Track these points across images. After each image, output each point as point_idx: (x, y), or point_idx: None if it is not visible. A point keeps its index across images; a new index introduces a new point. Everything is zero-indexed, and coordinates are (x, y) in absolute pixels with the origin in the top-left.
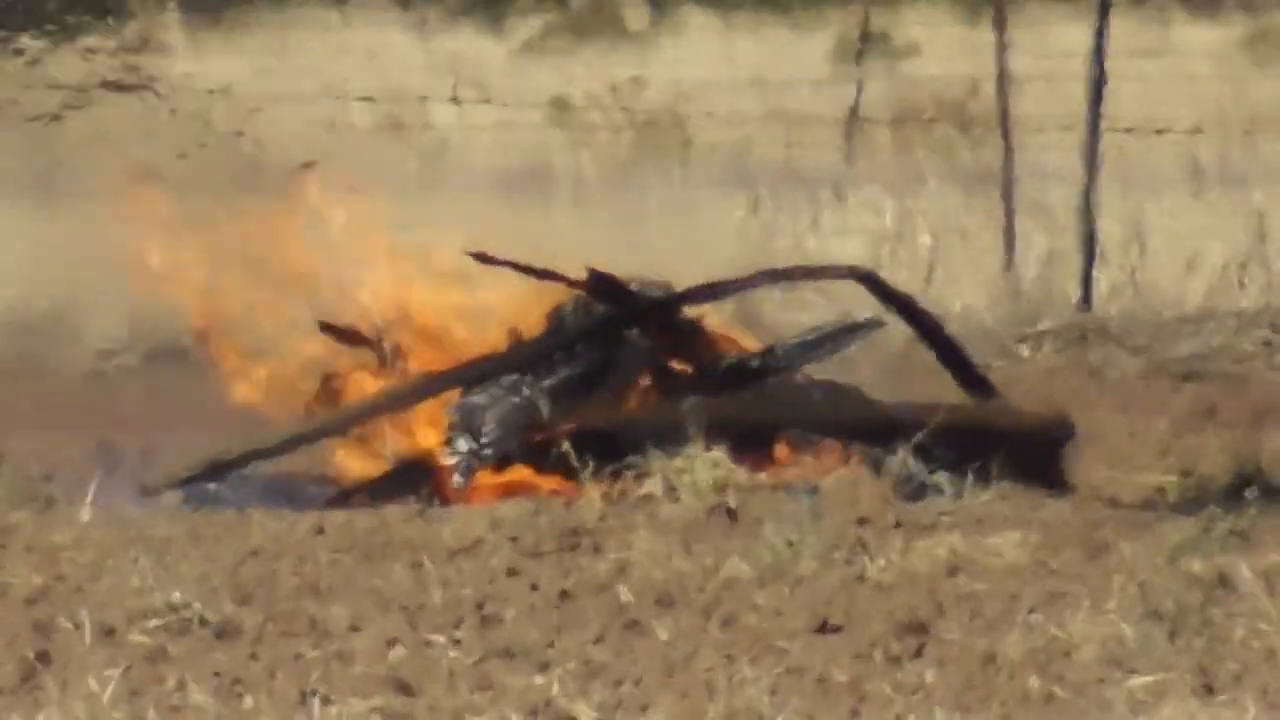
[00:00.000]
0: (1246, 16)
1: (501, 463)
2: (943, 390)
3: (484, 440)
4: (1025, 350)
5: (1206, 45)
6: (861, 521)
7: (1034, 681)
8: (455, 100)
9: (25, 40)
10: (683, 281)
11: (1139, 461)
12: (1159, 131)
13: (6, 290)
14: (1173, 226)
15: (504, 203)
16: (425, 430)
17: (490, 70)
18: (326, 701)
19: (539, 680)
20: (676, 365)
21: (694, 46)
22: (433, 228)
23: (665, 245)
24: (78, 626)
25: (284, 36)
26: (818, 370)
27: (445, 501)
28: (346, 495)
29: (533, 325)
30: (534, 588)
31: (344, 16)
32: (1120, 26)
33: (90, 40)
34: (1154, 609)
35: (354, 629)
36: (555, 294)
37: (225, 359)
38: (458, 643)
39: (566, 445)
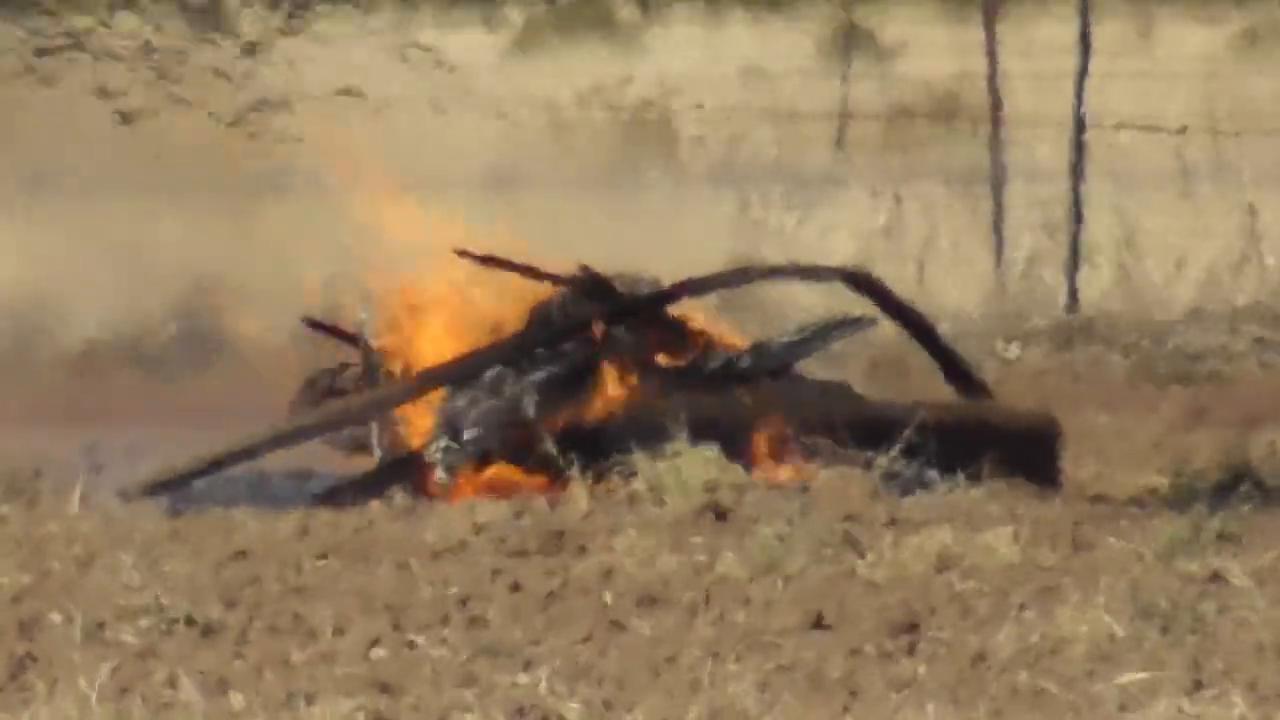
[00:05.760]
0: (1235, 15)
1: (486, 461)
2: (933, 389)
3: (468, 439)
4: (1014, 349)
5: (1195, 43)
6: (851, 519)
7: (1024, 678)
8: (442, 97)
9: (16, 37)
10: (671, 278)
11: (1129, 460)
12: (1148, 130)
13: None
14: (1162, 225)
15: (491, 199)
16: (410, 429)
17: (478, 66)
18: (312, 700)
19: (524, 679)
20: (664, 362)
21: (681, 42)
22: (419, 225)
23: (653, 242)
24: (65, 624)
25: (268, 34)
26: (807, 368)
27: (430, 500)
28: (331, 494)
29: (518, 322)
30: (519, 587)
31: (331, 14)
32: (1108, 24)
33: (81, 40)
34: (1144, 606)
35: (339, 629)
36: (541, 290)
37: (213, 354)
38: (443, 642)
39: (551, 444)
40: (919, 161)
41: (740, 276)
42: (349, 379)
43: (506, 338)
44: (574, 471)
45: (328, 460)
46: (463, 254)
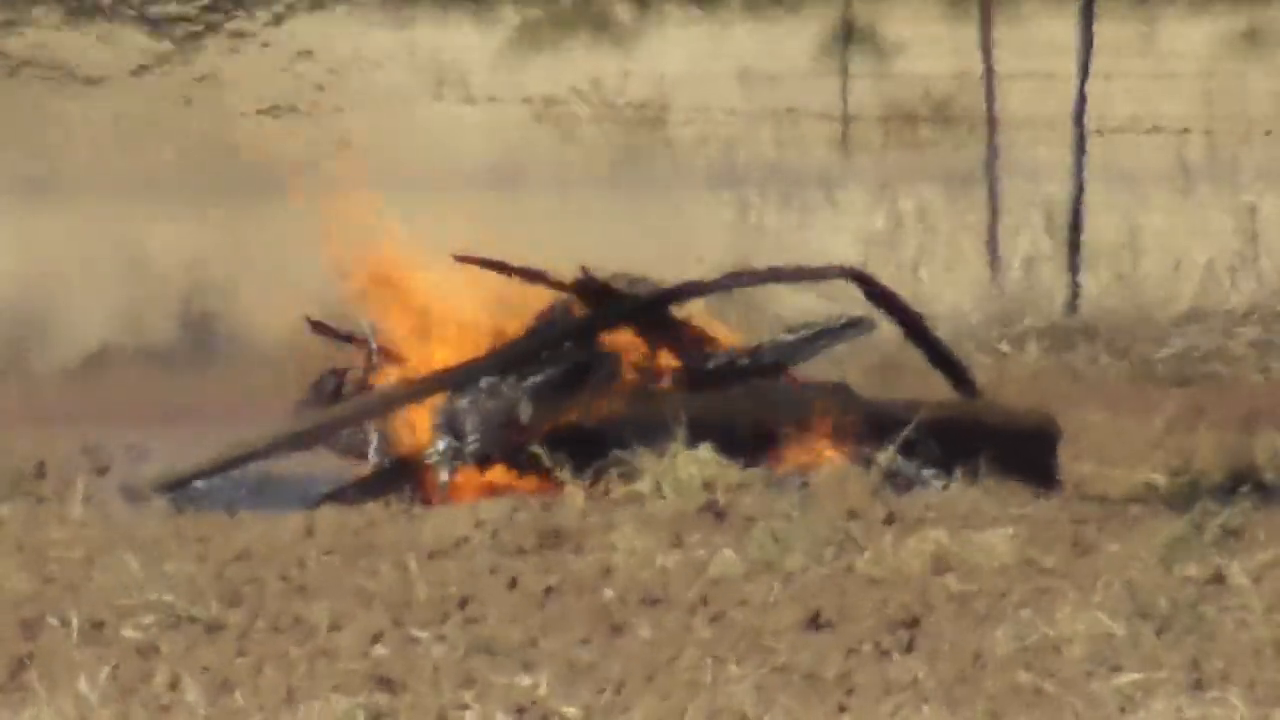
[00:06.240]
0: (1234, 15)
1: (485, 463)
2: (931, 389)
3: (468, 441)
4: (1011, 349)
5: (1195, 43)
6: (850, 517)
7: (1023, 677)
8: (439, 96)
9: (12, 40)
10: (670, 279)
11: (1127, 459)
12: (1147, 130)
13: None
14: (1161, 226)
15: (489, 200)
16: (411, 431)
17: (475, 66)
18: (313, 699)
19: (524, 678)
20: (664, 363)
21: (679, 42)
22: (418, 225)
23: (651, 243)
24: (66, 625)
25: (267, 33)
26: (807, 368)
27: (429, 502)
28: (332, 495)
29: (519, 325)
30: (517, 586)
31: (329, 13)
32: (1108, 24)
33: (78, 40)
34: (1142, 606)
35: (339, 627)
36: (541, 293)
37: (215, 356)
38: (442, 640)
39: (545, 446)
40: (918, 162)
41: (739, 279)
42: (354, 381)
43: (507, 341)
44: (569, 473)
45: (328, 462)
46: (463, 260)
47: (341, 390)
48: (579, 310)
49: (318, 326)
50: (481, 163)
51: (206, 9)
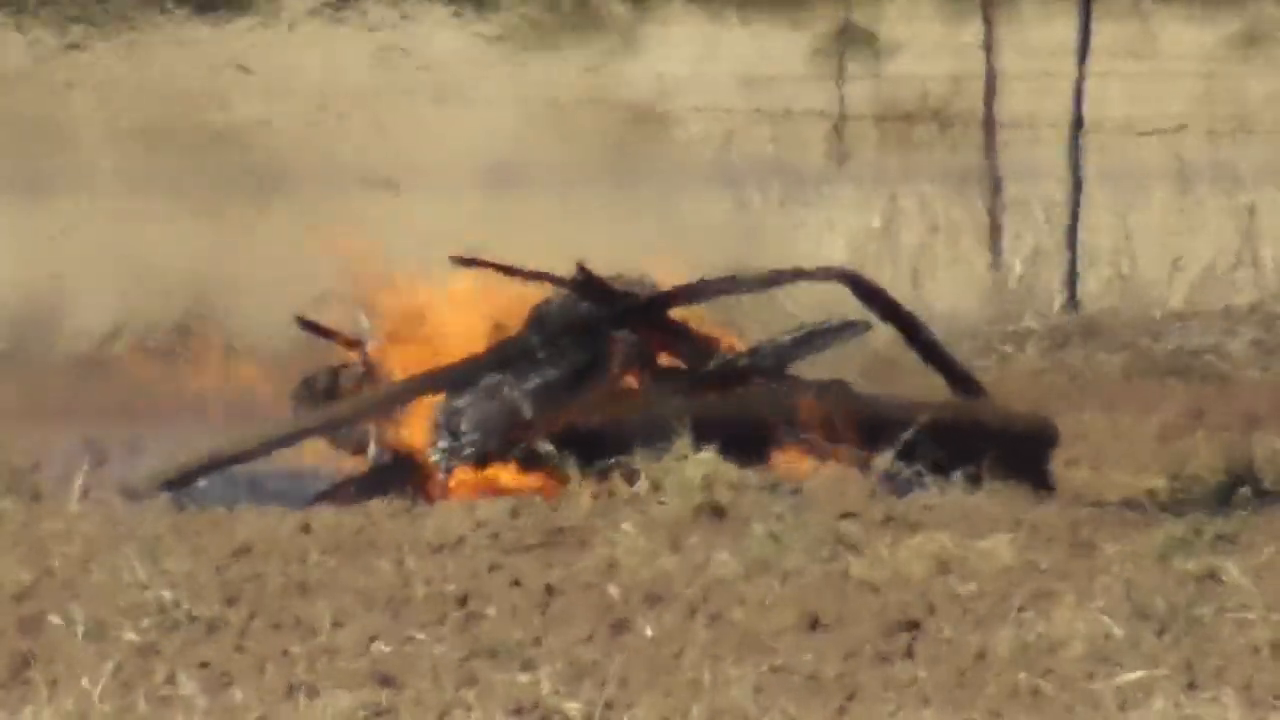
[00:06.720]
0: (1232, 15)
1: (485, 462)
2: (929, 390)
3: (466, 439)
4: (1010, 350)
5: (1192, 44)
6: (848, 519)
7: (1023, 679)
8: (437, 96)
9: (11, 33)
10: (667, 280)
11: (1126, 462)
12: (1145, 130)
13: None
14: (1159, 225)
15: (486, 200)
16: (410, 429)
17: (474, 66)
18: (313, 696)
19: (524, 677)
20: (662, 364)
21: (677, 41)
22: (418, 225)
23: (649, 243)
24: (67, 622)
25: (265, 32)
26: (804, 369)
27: (429, 500)
28: (331, 493)
29: (515, 324)
30: (518, 584)
31: (327, 13)
32: (1106, 25)
33: (76, 34)
34: (1141, 606)
35: (339, 625)
36: (538, 292)
37: (213, 353)
38: (442, 639)
39: (549, 445)
40: (916, 162)
41: (736, 283)
42: (348, 379)
43: (504, 341)
44: (572, 472)
45: (328, 459)
46: (461, 261)
47: (336, 387)
48: (576, 309)
49: (308, 325)
50: (481, 163)
51: (207, 10)
